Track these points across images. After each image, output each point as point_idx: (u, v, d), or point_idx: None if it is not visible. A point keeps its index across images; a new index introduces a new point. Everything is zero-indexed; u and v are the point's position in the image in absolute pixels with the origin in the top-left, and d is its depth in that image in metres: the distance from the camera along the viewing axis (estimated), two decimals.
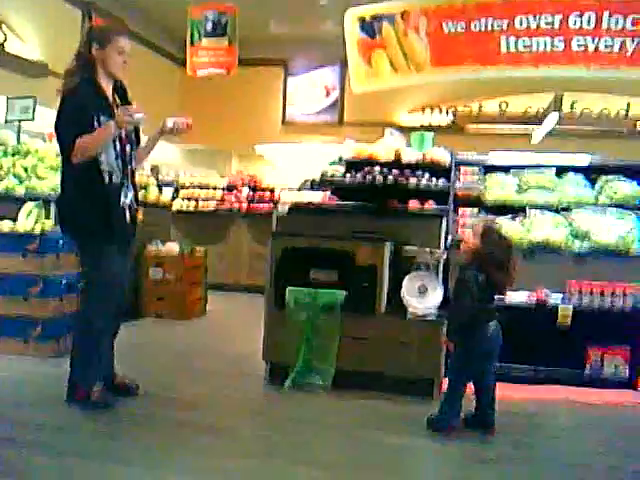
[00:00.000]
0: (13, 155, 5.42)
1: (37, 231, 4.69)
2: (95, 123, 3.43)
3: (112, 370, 3.77)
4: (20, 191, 5.04)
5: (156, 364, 4.53)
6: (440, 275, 4.32)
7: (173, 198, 8.73)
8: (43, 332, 4.58)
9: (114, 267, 3.53)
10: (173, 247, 6.85)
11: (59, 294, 4.67)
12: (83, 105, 3.42)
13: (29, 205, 4.85)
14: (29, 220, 4.77)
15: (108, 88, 3.60)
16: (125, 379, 3.80)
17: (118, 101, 3.65)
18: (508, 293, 4.41)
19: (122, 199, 3.56)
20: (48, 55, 8.25)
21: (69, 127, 3.42)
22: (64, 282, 4.69)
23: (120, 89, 3.69)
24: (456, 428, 3.34)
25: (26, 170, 5.24)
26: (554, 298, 4.42)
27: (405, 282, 4.15)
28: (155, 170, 8.77)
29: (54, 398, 3.59)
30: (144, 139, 3.84)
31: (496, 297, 3.49)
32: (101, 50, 3.51)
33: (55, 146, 5.49)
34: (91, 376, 3.53)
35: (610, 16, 5.58)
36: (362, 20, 6.20)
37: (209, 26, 8.71)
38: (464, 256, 3.48)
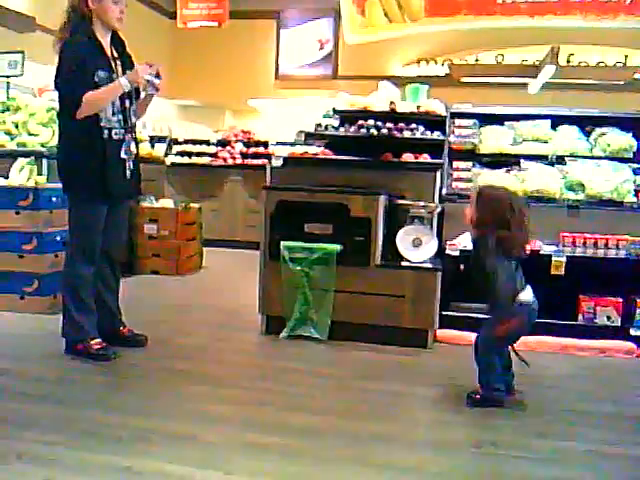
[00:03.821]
0: (3, 112, 5.36)
1: (30, 187, 4.67)
2: (95, 78, 3.40)
3: (118, 323, 3.85)
4: (11, 147, 5.00)
5: (152, 318, 4.57)
6: (435, 228, 4.34)
7: (166, 154, 8.67)
8: (39, 288, 4.60)
9: (100, 222, 3.57)
10: (167, 203, 6.83)
11: (54, 250, 4.67)
12: (82, 60, 3.39)
13: (21, 161, 4.81)
14: (21, 176, 4.74)
15: (106, 41, 3.55)
16: (133, 331, 3.86)
17: (116, 54, 3.61)
18: None
19: (122, 154, 3.55)
20: (35, 9, 8.09)
21: (71, 83, 3.40)
22: (59, 238, 4.68)
23: (118, 42, 3.65)
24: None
25: (17, 126, 5.19)
26: (547, 250, 4.44)
27: (399, 235, 4.16)
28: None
29: (53, 352, 3.64)
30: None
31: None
32: (97, 3, 3.44)
33: (46, 101, 5.47)
34: (84, 329, 3.57)
35: None
36: None
37: None
38: (472, 232, 3.25)
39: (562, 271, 4.29)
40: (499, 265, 3.06)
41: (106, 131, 3.48)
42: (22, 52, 5.58)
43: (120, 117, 3.54)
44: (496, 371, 3.15)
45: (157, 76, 3.57)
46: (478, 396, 3.16)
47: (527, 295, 3.16)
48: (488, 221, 3.10)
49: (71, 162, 3.54)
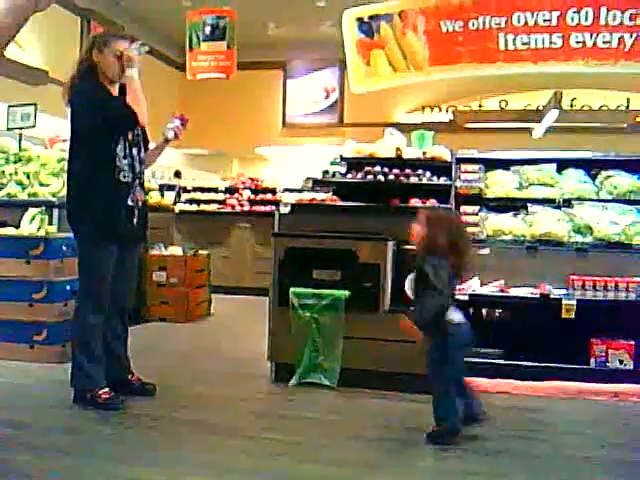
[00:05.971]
0: (15, 162, 5.45)
1: (41, 236, 4.71)
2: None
3: (127, 372, 3.82)
4: (22, 197, 5.06)
5: (161, 366, 4.54)
6: None
7: (175, 202, 8.75)
8: (48, 337, 4.59)
9: (109, 265, 3.58)
10: (176, 250, 6.87)
11: (64, 299, 4.68)
12: (95, 95, 3.52)
13: (32, 211, 4.87)
14: (32, 225, 4.79)
15: (114, 90, 3.65)
16: (142, 380, 3.84)
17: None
18: (511, 289, 4.45)
19: (129, 201, 3.60)
20: (48, 62, 8.29)
21: (86, 117, 3.51)
22: (68, 287, 4.69)
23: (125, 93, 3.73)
24: (460, 432, 3.19)
25: (28, 177, 5.26)
26: (557, 294, 4.42)
27: (408, 280, 4.15)
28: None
29: (61, 402, 3.61)
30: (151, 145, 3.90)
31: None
32: (100, 54, 3.56)
33: (57, 152, 5.56)
34: (93, 379, 3.55)
35: (608, 11, 5.59)
36: (360, 20, 6.22)
37: (207, 30, 8.74)
38: (417, 249, 3.32)
39: (573, 315, 4.27)
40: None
41: (117, 172, 3.55)
42: (35, 104, 5.68)
43: (129, 161, 3.61)
44: (443, 401, 3.14)
45: (183, 124, 3.74)
46: (432, 432, 3.15)
47: (457, 316, 3.19)
48: (440, 243, 3.16)
49: (81, 198, 3.58)
